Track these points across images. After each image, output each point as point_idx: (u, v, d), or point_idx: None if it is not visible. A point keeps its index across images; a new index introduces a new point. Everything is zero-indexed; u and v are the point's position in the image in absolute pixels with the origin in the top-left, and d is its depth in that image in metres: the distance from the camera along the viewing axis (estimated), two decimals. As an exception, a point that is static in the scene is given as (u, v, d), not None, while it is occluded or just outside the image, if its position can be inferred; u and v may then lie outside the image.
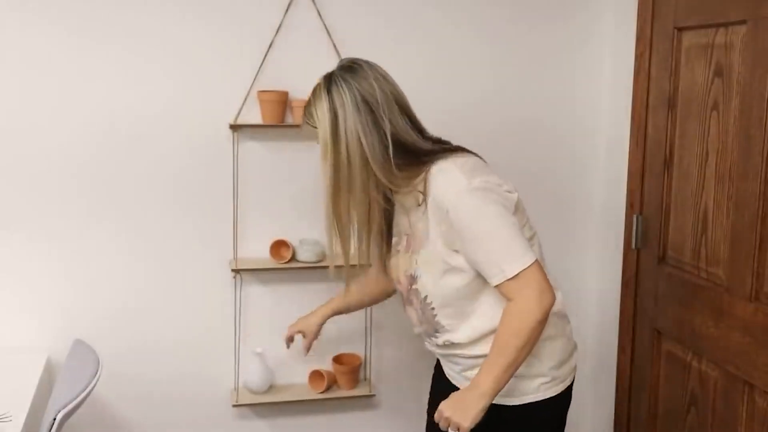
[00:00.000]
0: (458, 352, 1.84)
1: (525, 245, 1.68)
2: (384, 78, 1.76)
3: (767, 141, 1.95)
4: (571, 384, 1.90)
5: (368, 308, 2.60)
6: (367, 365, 2.64)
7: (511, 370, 1.67)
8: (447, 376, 1.95)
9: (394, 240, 1.92)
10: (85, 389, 1.86)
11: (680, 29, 2.29)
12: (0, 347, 2.36)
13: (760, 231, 1.99)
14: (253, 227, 2.49)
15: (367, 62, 1.78)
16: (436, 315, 1.82)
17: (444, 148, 1.79)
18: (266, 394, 2.53)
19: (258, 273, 2.51)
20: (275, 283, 2.55)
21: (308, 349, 2.26)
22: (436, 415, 1.71)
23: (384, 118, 1.71)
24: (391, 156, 1.71)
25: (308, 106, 1.77)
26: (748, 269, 2.03)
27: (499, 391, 1.68)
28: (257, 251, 2.50)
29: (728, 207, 2.10)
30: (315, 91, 1.75)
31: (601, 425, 2.80)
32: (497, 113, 2.65)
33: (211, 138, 2.43)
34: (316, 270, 2.49)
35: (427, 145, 1.77)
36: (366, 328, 2.63)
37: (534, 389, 1.81)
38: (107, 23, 2.31)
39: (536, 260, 1.68)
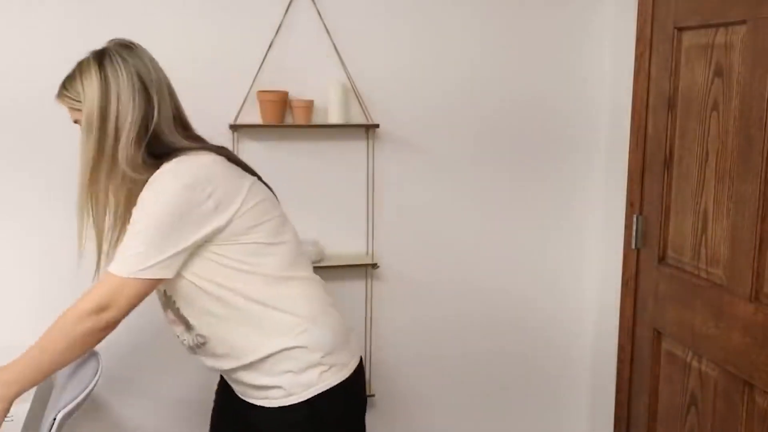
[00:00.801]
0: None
1: (147, 254, 1.57)
2: (157, 64, 1.71)
3: (767, 141, 1.95)
4: (358, 368, 1.79)
5: (368, 308, 2.61)
6: (367, 365, 2.64)
7: (42, 373, 1.67)
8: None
9: None
10: (85, 389, 1.86)
11: (680, 29, 2.29)
12: (0, 347, 2.36)
13: (760, 231, 1.99)
14: (253, 227, 2.49)
15: (141, 47, 1.71)
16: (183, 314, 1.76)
17: (193, 146, 1.69)
18: (266, 394, 2.53)
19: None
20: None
21: None
22: None
23: (155, 101, 1.65)
24: (146, 140, 1.64)
25: (71, 79, 1.67)
26: (748, 269, 2.03)
27: (28, 386, 1.66)
28: (257, 251, 2.50)
29: (728, 207, 2.10)
30: (82, 65, 1.66)
31: (601, 425, 2.80)
32: (497, 113, 2.65)
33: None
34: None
35: (180, 142, 1.68)
36: (365, 328, 2.63)
37: (314, 380, 1.70)
38: (107, 24, 2.31)
39: (139, 279, 1.57)
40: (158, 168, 1.62)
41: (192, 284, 1.67)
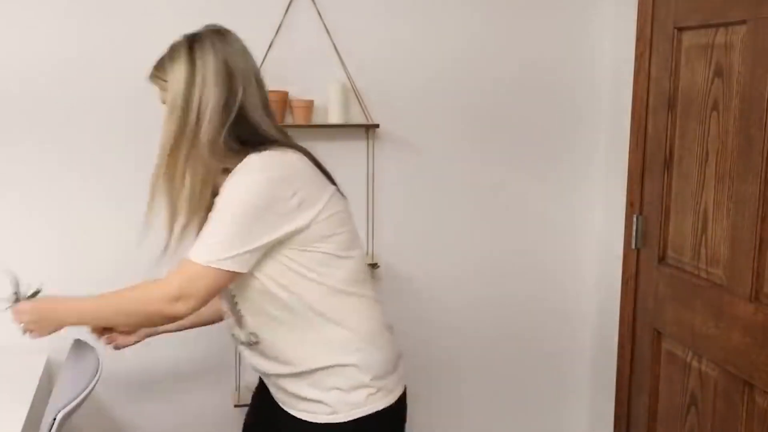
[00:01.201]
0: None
1: (232, 244, 1.56)
2: (248, 53, 1.71)
3: (767, 141, 1.95)
4: (402, 396, 1.77)
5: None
6: (367, 365, 2.64)
7: (94, 320, 1.80)
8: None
9: None
10: (85, 389, 1.86)
11: (680, 29, 2.29)
12: (0, 347, 2.36)
13: (760, 231, 1.99)
14: (253, 227, 2.49)
15: (235, 34, 1.72)
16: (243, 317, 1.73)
17: (279, 140, 1.68)
18: (266, 394, 2.53)
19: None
20: (275, 283, 2.55)
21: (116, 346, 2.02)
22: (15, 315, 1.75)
23: (239, 88, 1.64)
24: (228, 125, 1.62)
25: (162, 60, 1.69)
26: (748, 269, 2.03)
27: (69, 322, 1.75)
28: (257, 251, 2.50)
29: (728, 207, 2.10)
30: (173, 47, 1.68)
31: (601, 425, 2.80)
32: (497, 114, 2.65)
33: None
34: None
35: (266, 130, 1.67)
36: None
37: (362, 401, 1.68)
38: (107, 24, 2.31)
39: (219, 270, 1.56)
40: (241, 157, 1.60)
41: (256, 280, 1.65)
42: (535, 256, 2.77)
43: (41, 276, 1.94)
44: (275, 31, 2.40)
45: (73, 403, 1.80)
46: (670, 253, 2.39)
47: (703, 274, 2.22)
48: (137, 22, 2.33)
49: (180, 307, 1.60)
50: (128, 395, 2.50)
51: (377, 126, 2.49)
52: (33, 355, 2.32)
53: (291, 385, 1.71)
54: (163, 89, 1.67)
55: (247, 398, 2.51)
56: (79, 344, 2.22)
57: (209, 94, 1.62)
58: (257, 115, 1.67)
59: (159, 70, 1.68)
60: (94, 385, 1.91)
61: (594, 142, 2.73)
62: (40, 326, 1.80)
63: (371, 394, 1.68)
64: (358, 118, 2.50)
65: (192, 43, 1.66)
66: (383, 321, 1.78)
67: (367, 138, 2.53)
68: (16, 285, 1.86)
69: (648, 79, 2.44)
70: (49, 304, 1.80)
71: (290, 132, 2.44)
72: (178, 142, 1.63)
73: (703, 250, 2.22)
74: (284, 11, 2.41)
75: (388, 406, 1.71)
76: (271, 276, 1.64)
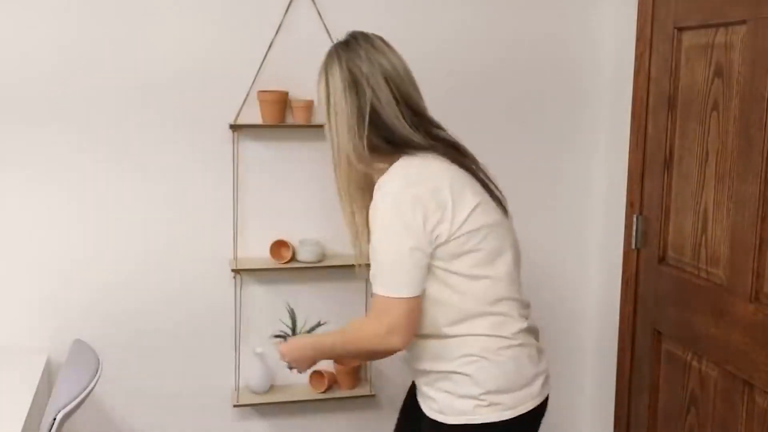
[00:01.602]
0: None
1: (399, 280, 1.64)
2: (382, 54, 1.75)
3: (767, 141, 1.95)
4: (527, 414, 1.76)
5: (368, 308, 2.61)
6: (368, 365, 2.64)
7: (332, 357, 2.04)
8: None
9: None
10: (85, 389, 1.86)
11: (680, 29, 2.29)
12: (0, 347, 2.36)
13: (760, 231, 1.98)
14: (253, 227, 2.49)
15: (366, 36, 1.78)
16: None
17: (421, 144, 1.72)
18: (267, 394, 2.53)
19: (258, 273, 2.51)
20: (275, 283, 2.55)
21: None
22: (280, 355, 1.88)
23: (366, 92, 1.70)
24: (364, 130, 1.70)
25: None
26: (748, 269, 2.03)
27: (319, 358, 1.87)
28: (257, 251, 2.50)
29: (728, 207, 2.10)
30: (322, 63, 1.81)
31: (601, 425, 2.80)
32: (497, 114, 2.65)
33: (211, 138, 2.44)
34: (316, 270, 2.49)
35: (408, 133, 1.71)
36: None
37: (469, 410, 1.71)
38: (107, 23, 2.31)
39: (407, 299, 1.63)
40: (388, 158, 1.70)
41: None
42: (535, 256, 2.76)
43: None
44: (275, 31, 2.41)
45: (73, 403, 1.81)
46: (670, 253, 2.38)
47: (703, 274, 2.22)
48: (137, 23, 2.33)
49: (395, 341, 1.65)
50: (128, 395, 2.51)
51: (377, 126, 2.49)
52: (33, 355, 2.33)
53: (417, 378, 1.83)
54: None
55: (247, 398, 2.51)
56: (79, 344, 2.23)
57: (341, 103, 1.72)
58: (392, 113, 1.71)
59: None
60: (94, 385, 1.91)
61: (594, 142, 2.73)
62: (300, 364, 1.88)
63: (479, 405, 1.70)
64: (358, 118, 2.50)
65: (326, 57, 1.78)
66: (513, 339, 1.74)
67: (367, 138, 2.53)
68: (293, 319, 2.06)
69: (648, 79, 2.44)
70: (303, 342, 1.88)
71: (290, 132, 2.47)
72: (334, 154, 1.76)
73: (703, 250, 2.22)
74: (284, 11, 2.41)
75: (503, 420, 1.71)
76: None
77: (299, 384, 2.59)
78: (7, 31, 2.26)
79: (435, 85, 2.58)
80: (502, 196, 1.84)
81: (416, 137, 1.71)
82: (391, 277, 1.64)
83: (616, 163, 2.64)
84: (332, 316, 2.60)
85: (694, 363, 2.27)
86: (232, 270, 2.46)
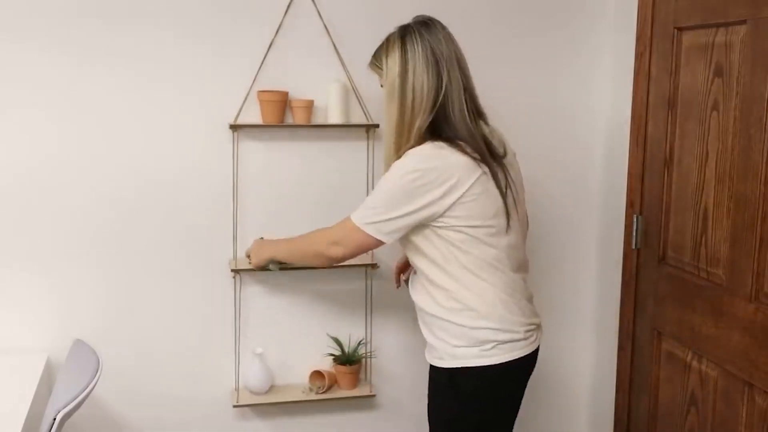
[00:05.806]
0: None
1: (376, 220, 1.87)
2: (453, 41, 1.91)
3: (767, 141, 1.95)
4: (505, 364, 1.91)
5: (368, 308, 2.61)
6: (368, 365, 2.64)
7: (285, 255, 2.21)
8: None
9: None
10: (85, 389, 1.86)
11: (680, 29, 2.30)
12: (0, 347, 2.36)
13: (760, 231, 1.99)
14: (253, 227, 2.49)
15: (440, 22, 1.94)
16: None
17: (467, 136, 1.87)
18: (267, 394, 2.53)
19: (258, 273, 2.51)
20: (275, 284, 2.55)
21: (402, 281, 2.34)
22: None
23: (444, 73, 1.86)
24: (435, 110, 1.85)
25: (379, 51, 1.95)
26: (748, 269, 2.03)
27: (273, 254, 2.22)
28: (257, 251, 2.50)
29: (728, 207, 2.10)
30: (388, 39, 1.93)
31: (601, 425, 2.80)
32: (497, 114, 2.65)
33: (211, 138, 2.44)
34: (316, 270, 2.49)
35: (462, 120, 1.86)
36: (366, 327, 2.63)
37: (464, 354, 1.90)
38: (107, 23, 2.31)
39: (369, 235, 1.88)
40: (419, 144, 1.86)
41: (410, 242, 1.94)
42: (535, 256, 2.76)
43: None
44: (275, 31, 2.41)
45: (73, 403, 1.81)
46: (670, 253, 2.38)
47: (703, 274, 2.22)
48: (136, 24, 2.33)
49: (335, 251, 1.97)
50: (128, 395, 2.50)
51: (377, 126, 2.49)
52: (33, 355, 2.33)
53: (421, 321, 2.03)
54: (381, 76, 1.95)
55: (247, 399, 2.51)
56: (79, 344, 2.23)
57: (421, 81, 1.85)
58: (458, 99, 1.87)
59: (376, 59, 1.96)
60: (94, 385, 1.91)
61: (594, 143, 2.73)
62: (255, 255, 2.27)
63: (491, 347, 1.89)
64: (358, 118, 2.50)
65: (403, 34, 1.90)
66: (510, 297, 1.92)
67: (367, 138, 2.53)
68: (339, 345, 2.56)
69: (648, 79, 2.44)
70: (265, 240, 2.31)
71: (290, 132, 2.48)
72: (399, 127, 1.88)
73: (703, 250, 2.22)
74: (284, 11, 2.41)
75: (488, 365, 1.90)
76: (419, 244, 1.92)
77: (299, 384, 2.59)
78: None
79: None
80: (520, 200, 2.02)
81: (464, 128, 1.86)
82: (373, 214, 1.88)
83: (616, 163, 2.64)
84: (332, 315, 2.61)
85: (694, 363, 2.27)
86: (232, 270, 2.46)
